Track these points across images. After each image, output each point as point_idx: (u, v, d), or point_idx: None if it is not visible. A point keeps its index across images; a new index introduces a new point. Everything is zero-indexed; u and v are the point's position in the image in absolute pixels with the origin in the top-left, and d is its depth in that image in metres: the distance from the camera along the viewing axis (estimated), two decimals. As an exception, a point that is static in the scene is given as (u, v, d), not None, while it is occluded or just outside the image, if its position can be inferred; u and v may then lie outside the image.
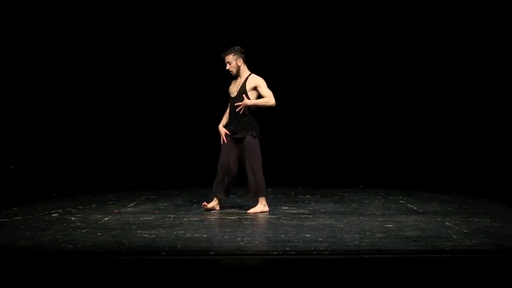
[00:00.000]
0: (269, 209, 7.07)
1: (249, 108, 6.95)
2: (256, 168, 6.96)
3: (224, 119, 7.19)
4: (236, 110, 6.93)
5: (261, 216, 6.80)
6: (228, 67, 6.99)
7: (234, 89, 7.07)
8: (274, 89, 6.99)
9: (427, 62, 10.27)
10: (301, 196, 8.44)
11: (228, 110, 7.15)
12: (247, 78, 6.99)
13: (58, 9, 10.05)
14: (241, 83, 6.99)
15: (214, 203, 7.16)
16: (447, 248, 5.08)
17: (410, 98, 10.30)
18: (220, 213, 6.95)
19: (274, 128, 10.32)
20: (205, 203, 7.13)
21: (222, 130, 7.12)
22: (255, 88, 6.95)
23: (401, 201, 7.92)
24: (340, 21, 10.29)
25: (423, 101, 10.30)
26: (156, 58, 10.27)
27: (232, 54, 6.96)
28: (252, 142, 6.97)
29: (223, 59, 7.01)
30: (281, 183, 9.52)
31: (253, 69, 7.09)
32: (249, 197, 7.23)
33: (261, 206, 7.02)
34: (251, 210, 7.01)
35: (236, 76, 7.05)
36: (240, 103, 6.91)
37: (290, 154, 10.29)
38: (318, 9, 10.25)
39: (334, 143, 10.33)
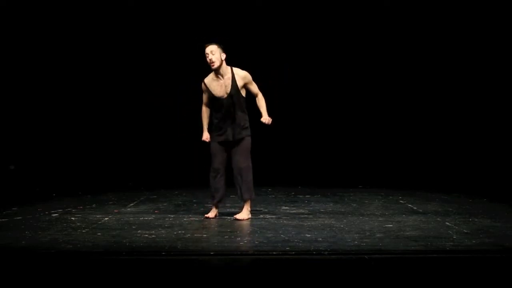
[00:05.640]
0: (268, 209, 7.05)
1: (242, 106, 6.55)
2: (250, 170, 6.53)
3: (206, 122, 6.69)
4: (268, 123, 6.57)
5: (261, 216, 6.78)
6: (210, 57, 6.37)
7: (219, 89, 6.49)
8: (274, 90, 6.91)
9: (427, 62, 10.26)
10: (301, 196, 8.43)
11: (206, 113, 6.68)
12: (233, 74, 6.48)
13: (58, 9, 10.04)
14: (229, 81, 6.46)
15: (215, 211, 6.71)
16: (447, 248, 5.07)
17: (410, 98, 10.29)
18: (220, 213, 6.94)
19: (274, 128, 10.33)
20: (207, 215, 6.66)
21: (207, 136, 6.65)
22: (244, 85, 6.50)
23: (401, 201, 7.91)
24: (339, 20, 10.28)
25: (423, 101, 10.30)
26: (156, 58, 10.25)
27: (217, 46, 6.41)
28: (248, 142, 6.56)
29: (204, 50, 6.43)
30: (281, 183, 9.53)
31: (253, 69, 6.97)
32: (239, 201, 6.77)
33: (248, 212, 6.57)
34: (239, 216, 6.54)
35: (216, 71, 6.45)
36: (268, 121, 6.56)
37: (290, 154, 10.28)
38: (317, 8, 10.24)
39: (334, 143, 10.32)
